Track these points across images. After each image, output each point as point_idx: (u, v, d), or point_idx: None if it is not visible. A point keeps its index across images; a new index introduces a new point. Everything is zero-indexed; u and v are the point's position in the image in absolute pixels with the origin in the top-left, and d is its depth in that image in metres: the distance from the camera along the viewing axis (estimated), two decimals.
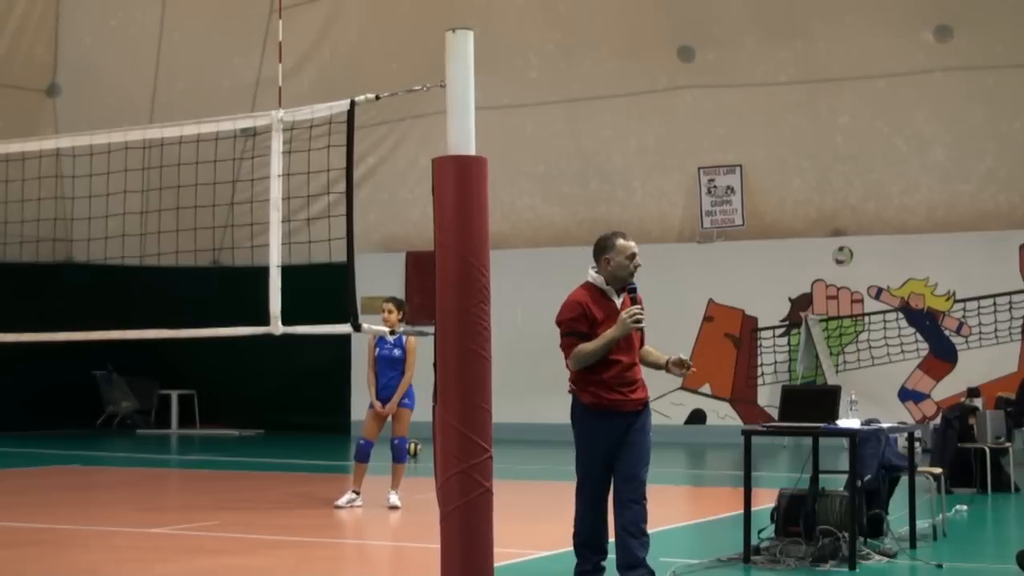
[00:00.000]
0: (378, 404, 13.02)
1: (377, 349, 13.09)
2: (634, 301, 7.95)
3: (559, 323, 7.94)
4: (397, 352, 13.03)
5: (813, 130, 22.16)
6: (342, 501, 13.09)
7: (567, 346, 7.87)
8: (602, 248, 8.02)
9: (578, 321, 7.84)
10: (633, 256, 7.97)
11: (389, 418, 13.10)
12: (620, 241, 7.98)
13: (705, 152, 22.72)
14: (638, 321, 7.85)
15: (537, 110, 23.47)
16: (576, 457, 7.98)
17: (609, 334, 7.82)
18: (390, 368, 13.04)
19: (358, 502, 13.08)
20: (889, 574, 9.42)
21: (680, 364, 7.98)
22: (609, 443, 7.86)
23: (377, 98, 8.55)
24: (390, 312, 12.87)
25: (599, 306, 7.92)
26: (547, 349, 24.58)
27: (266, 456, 20.70)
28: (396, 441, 13.01)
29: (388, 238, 24.89)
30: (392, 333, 12.16)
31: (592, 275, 8.03)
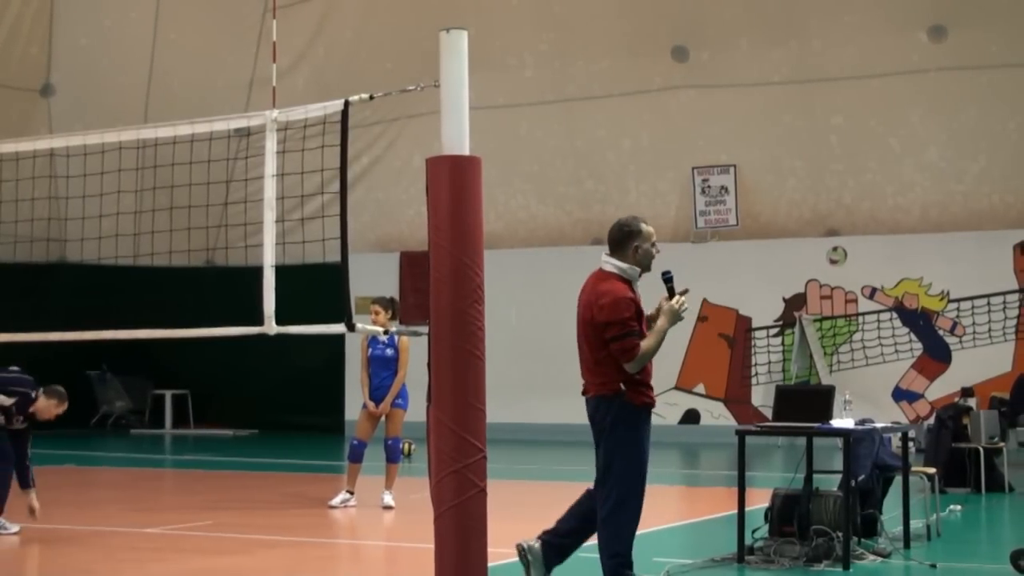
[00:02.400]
0: (371, 404, 13.02)
1: (370, 349, 13.09)
2: (671, 291, 7.66)
3: (613, 323, 7.46)
4: (390, 352, 13.03)
5: (807, 130, 22.17)
6: (336, 501, 13.09)
7: (632, 347, 7.43)
8: (629, 235, 7.67)
9: (634, 319, 7.50)
10: (655, 243, 7.74)
11: (383, 418, 13.10)
12: (644, 226, 7.69)
13: (699, 152, 22.73)
14: (685, 311, 7.60)
15: (531, 110, 23.48)
16: (626, 468, 7.55)
17: (663, 327, 7.57)
18: (383, 368, 13.04)
19: (352, 502, 13.08)
20: (883, 574, 9.43)
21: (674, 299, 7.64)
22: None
23: (371, 98, 8.55)
24: (377, 314, 12.86)
25: (638, 301, 7.62)
26: (541, 349, 24.62)
27: (260, 456, 20.70)
28: (390, 441, 13.01)
29: (382, 238, 24.88)
30: (385, 333, 12.15)
31: (620, 265, 7.65)
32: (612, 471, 7.57)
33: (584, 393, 7.68)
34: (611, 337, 7.48)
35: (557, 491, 15.67)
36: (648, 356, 7.52)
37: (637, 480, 7.58)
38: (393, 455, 13.02)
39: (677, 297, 7.65)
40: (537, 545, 7.77)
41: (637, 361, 7.48)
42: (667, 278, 7.77)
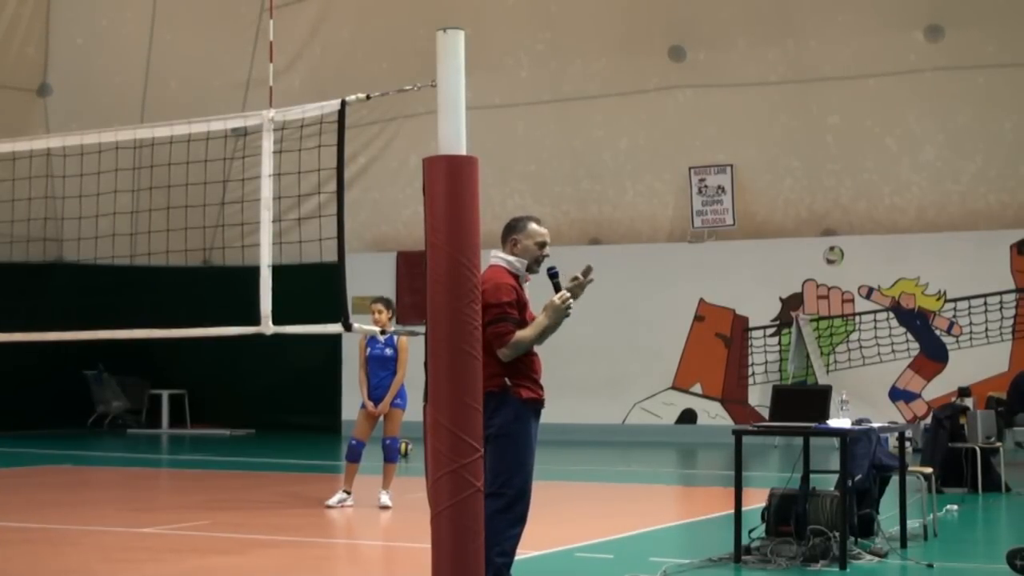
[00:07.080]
0: (370, 404, 13.03)
1: (368, 349, 13.11)
2: (557, 288, 7.56)
3: (490, 305, 7.32)
4: (388, 352, 13.04)
5: (804, 130, 22.18)
6: (333, 501, 13.09)
7: (505, 332, 7.36)
8: (511, 228, 7.68)
9: (513, 307, 7.47)
10: (543, 243, 7.66)
11: (381, 418, 13.11)
12: (532, 225, 7.67)
13: (696, 152, 22.74)
14: (569, 308, 7.46)
15: (528, 110, 23.48)
16: (512, 466, 7.40)
17: (544, 322, 7.45)
18: (381, 368, 13.05)
19: (349, 502, 13.09)
20: (880, 574, 9.43)
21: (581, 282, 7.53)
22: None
23: (368, 98, 8.52)
24: (379, 312, 12.88)
25: (520, 292, 7.58)
26: (537, 348, 24.43)
27: (257, 456, 20.69)
28: (387, 441, 13.02)
29: (379, 238, 24.88)
30: (383, 333, 12.15)
31: (506, 258, 7.64)
32: (500, 471, 7.41)
33: None
34: (486, 321, 7.25)
35: (555, 491, 15.68)
36: (522, 346, 7.40)
37: (526, 480, 7.47)
38: (390, 455, 13.03)
39: (562, 292, 7.53)
40: None
41: (510, 348, 7.37)
42: (552, 274, 7.65)
